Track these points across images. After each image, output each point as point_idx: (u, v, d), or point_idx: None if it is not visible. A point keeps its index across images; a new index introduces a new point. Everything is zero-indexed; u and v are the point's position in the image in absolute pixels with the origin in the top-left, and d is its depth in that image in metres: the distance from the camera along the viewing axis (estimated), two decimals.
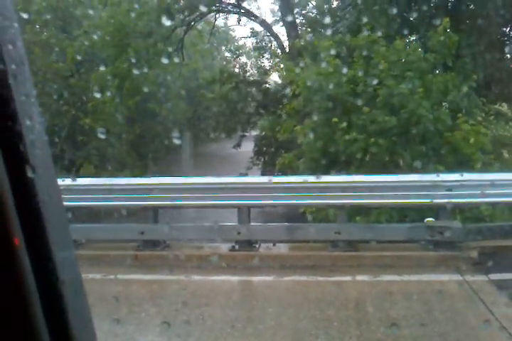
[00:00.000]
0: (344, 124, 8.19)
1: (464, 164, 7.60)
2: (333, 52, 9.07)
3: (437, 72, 9.39)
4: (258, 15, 17.24)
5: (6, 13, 0.66)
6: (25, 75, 0.68)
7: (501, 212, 6.85)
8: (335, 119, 8.28)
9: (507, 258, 5.51)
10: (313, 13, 16.97)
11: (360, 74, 8.88)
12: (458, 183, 6.01)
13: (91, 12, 13.18)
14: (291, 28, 15.52)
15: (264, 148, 11.69)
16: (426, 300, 4.79)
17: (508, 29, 11.95)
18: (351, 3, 13.01)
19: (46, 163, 0.71)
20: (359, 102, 8.58)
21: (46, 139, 0.73)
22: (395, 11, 11.13)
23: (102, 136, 9.85)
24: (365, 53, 9.30)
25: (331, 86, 8.87)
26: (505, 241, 5.85)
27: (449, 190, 5.94)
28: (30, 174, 0.65)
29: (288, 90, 10.11)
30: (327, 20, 14.27)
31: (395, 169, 7.48)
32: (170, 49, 13.93)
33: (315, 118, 8.91)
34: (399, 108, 8.17)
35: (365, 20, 11.03)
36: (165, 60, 13.78)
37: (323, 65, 9.34)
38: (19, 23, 0.69)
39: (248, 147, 13.17)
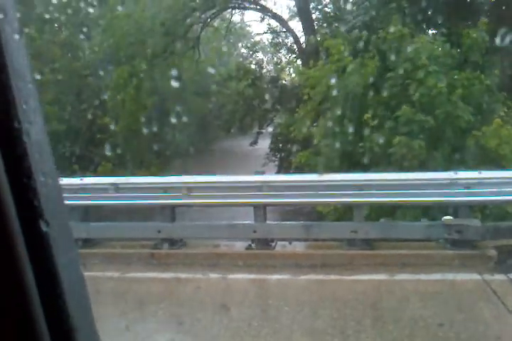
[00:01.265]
0: (375, 122, 8.07)
1: (492, 163, 7.46)
2: (343, 49, 8.98)
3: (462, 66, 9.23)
4: (274, 10, 17.19)
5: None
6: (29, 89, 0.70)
7: None
8: (368, 115, 8.16)
9: None
10: (329, 8, 16.80)
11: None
12: (476, 181, 5.93)
13: (108, 11, 13.27)
14: (307, 23, 15.42)
15: (281, 145, 11.66)
16: (443, 300, 4.75)
17: None
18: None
19: (51, 171, 0.73)
20: (385, 99, 8.47)
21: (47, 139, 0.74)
22: (414, 6, 10.99)
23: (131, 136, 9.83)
24: (390, 49, 9.17)
25: (353, 84, 8.78)
26: None
27: (467, 187, 5.85)
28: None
29: (304, 88, 10.05)
30: (343, 15, 14.16)
31: (424, 169, 7.33)
32: (187, 46, 13.97)
33: (335, 118, 8.80)
34: (433, 107, 8.00)
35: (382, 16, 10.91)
36: (182, 58, 13.83)
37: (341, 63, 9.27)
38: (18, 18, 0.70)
39: (265, 144, 13.16)
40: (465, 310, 4.53)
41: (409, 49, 9.03)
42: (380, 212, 6.79)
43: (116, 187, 6.30)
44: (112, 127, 11.21)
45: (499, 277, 5.12)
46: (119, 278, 5.22)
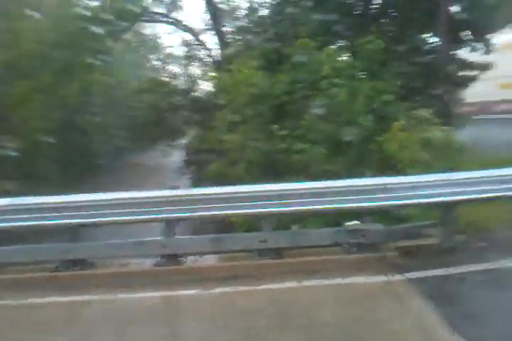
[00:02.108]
0: (284, 132, 8.26)
1: (393, 168, 7.85)
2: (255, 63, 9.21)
3: (364, 77, 9.71)
4: (187, 24, 17.22)
5: None
6: None
7: (421, 212, 7.09)
8: (275, 126, 8.33)
9: (423, 257, 5.79)
10: (242, 21, 17.12)
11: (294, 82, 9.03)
12: (379, 187, 6.20)
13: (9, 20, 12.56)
14: (220, 36, 15.61)
15: (194, 157, 11.57)
16: (348, 302, 4.91)
17: (429, 37, 12.52)
18: (280, 12, 13.28)
19: None
20: (292, 108, 8.73)
21: None
22: (322, 18, 11.46)
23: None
24: (298, 60, 9.49)
25: (263, 95, 8.96)
26: (422, 240, 6.14)
27: (371, 193, 6.10)
28: None
29: (217, 99, 10.15)
30: (256, 28, 14.47)
31: (332, 175, 7.57)
32: (96, 59, 13.58)
33: (248, 126, 8.94)
34: (336, 116, 8.33)
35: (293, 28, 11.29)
36: (92, 71, 13.43)
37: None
38: None
39: (178, 156, 13.06)
40: (369, 311, 4.71)
41: (314, 61, 9.42)
42: (291, 220, 6.94)
43: (17, 209, 5.94)
44: (13, 144, 10.52)
45: (399, 277, 5.38)
46: (15, 306, 4.90)
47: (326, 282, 5.42)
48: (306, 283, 5.41)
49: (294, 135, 8.12)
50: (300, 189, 6.18)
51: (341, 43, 11.99)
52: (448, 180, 6.28)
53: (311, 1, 11.67)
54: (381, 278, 5.43)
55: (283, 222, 6.71)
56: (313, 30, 10.67)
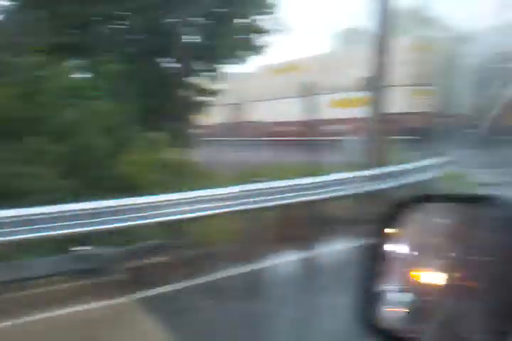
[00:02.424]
0: (7, 154, 7.48)
1: (132, 190, 7.87)
2: None
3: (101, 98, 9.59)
4: None
5: None
6: None
7: (158, 231, 7.31)
8: None
9: (153, 275, 6.00)
10: None
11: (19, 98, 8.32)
12: (113, 209, 6.18)
13: None
14: None
15: None
16: (75, 331, 4.70)
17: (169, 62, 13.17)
18: (13, 21, 12.22)
19: None
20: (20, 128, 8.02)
21: None
22: (61, 35, 10.94)
23: None
24: (28, 75, 8.81)
25: None
26: (152, 259, 6.36)
27: (94, 217, 6.02)
28: None
29: None
30: None
31: (64, 199, 7.16)
32: None
33: None
34: (69, 137, 7.94)
35: (27, 38, 10.46)
36: None
37: None
38: None
39: None
40: (97, 336, 4.58)
41: (49, 77, 8.92)
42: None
43: None
44: None
45: (127, 298, 5.42)
46: None
47: (49, 314, 5.08)
48: (28, 318, 4.97)
49: (20, 158, 7.47)
50: (23, 215, 5.72)
51: (81, 61, 11.68)
52: (179, 199, 6.72)
53: (48, 13, 11.07)
54: (109, 302, 5.37)
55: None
56: (50, 44, 10.14)
